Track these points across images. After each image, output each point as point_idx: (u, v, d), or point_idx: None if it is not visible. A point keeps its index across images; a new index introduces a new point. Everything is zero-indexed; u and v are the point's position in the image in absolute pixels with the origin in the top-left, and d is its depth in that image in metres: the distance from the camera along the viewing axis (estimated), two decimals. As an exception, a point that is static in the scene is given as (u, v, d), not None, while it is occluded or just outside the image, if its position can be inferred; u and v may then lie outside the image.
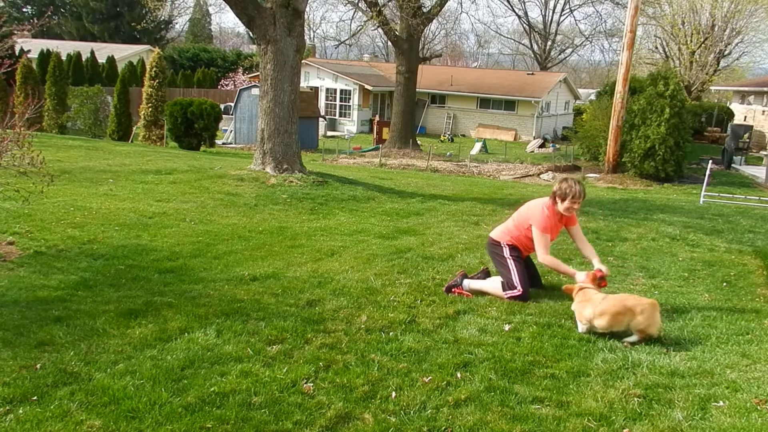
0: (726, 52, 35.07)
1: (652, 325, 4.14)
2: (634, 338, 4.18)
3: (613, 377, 3.62)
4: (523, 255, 5.11)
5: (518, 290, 4.86)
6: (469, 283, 5.04)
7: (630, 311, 4.15)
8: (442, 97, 35.08)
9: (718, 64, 34.59)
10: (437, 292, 5.04)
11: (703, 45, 32.77)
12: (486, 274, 5.20)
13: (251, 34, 14.13)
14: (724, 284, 5.83)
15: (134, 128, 22.39)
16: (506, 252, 5.06)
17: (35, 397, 3.08)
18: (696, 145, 24.43)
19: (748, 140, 22.43)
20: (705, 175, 15.13)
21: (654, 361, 3.86)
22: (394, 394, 3.29)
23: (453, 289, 5.02)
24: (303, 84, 27.52)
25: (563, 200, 4.90)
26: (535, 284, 5.23)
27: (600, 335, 4.26)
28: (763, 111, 27.43)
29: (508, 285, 4.91)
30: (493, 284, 5.00)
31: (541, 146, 29.03)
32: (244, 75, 37.60)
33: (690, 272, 6.20)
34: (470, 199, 10.85)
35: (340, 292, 4.92)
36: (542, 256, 4.94)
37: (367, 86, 32.54)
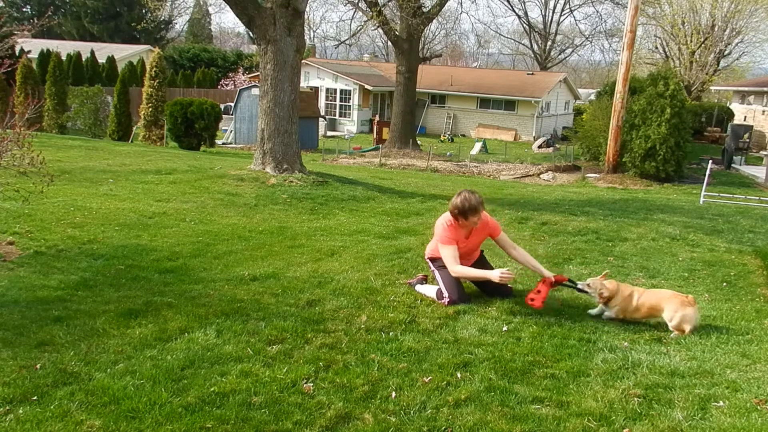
0: (726, 52, 35.09)
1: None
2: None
3: (613, 377, 3.62)
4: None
5: (446, 299, 4.77)
6: (420, 288, 5.06)
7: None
8: (442, 97, 35.08)
9: (718, 64, 34.60)
10: (437, 292, 5.03)
11: (703, 45, 32.77)
12: (423, 280, 5.20)
13: (251, 34, 14.14)
14: (724, 284, 5.83)
15: (134, 128, 22.39)
16: (431, 265, 5.08)
17: (35, 397, 3.08)
18: (696, 145, 24.42)
19: (748, 140, 22.43)
20: (705, 175, 15.13)
21: (654, 361, 3.86)
22: (394, 394, 3.29)
23: (410, 285, 5.15)
24: (303, 84, 27.52)
25: (463, 216, 4.76)
26: (497, 293, 4.95)
27: (600, 335, 4.27)
28: (763, 111, 27.43)
29: (440, 293, 4.85)
30: (432, 291, 4.95)
31: (540, 146, 29.02)
32: (244, 75, 37.61)
33: (690, 272, 6.20)
34: (470, 199, 10.83)
35: (340, 292, 4.92)
36: (452, 270, 4.78)
37: (367, 86, 32.54)
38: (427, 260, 5.17)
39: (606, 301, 4.57)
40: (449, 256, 4.81)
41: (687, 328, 4.33)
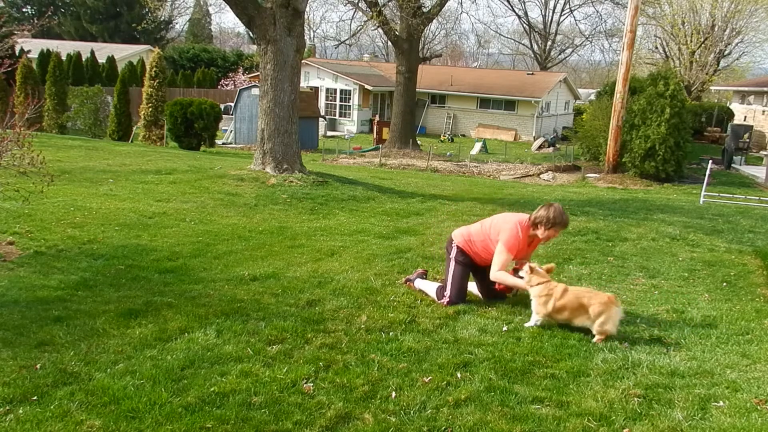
0: (726, 52, 35.09)
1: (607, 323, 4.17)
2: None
3: (613, 377, 3.62)
4: (473, 262, 4.87)
5: (446, 299, 4.72)
6: (419, 283, 5.02)
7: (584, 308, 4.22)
8: (442, 97, 35.07)
9: (718, 64, 34.59)
10: (437, 292, 5.03)
11: (703, 45, 32.77)
12: (423, 275, 5.15)
13: (251, 34, 14.15)
14: (724, 284, 5.84)
15: (134, 128, 22.39)
16: (453, 253, 4.90)
17: (35, 397, 3.08)
18: (696, 145, 24.42)
19: (748, 140, 22.42)
20: (705, 175, 15.13)
21: (654, 361, 3.87)
22: (394, 394, 3.29)
23: (408, 282, 5.15)
24: (303, 84, 27.52)
25: (547, 228, 4.60)
26: (493, 295, 4.92)
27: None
28: (763, 111, 27.43)
29: (441, 291, 4.78)
30: (433, 288, 4.89)
31: (540, 147, 29.02)
32: (244, 75, 37.60)
33: (690, 272, 6.20)
34: (470, 199, 10.85)
35: (340, 292, 4.92)
36: (495, 272, 4.65)
37: (367, 86, 32.54)
38: (455, 246, 4.90)
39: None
40: (502, 261, 4.61)
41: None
